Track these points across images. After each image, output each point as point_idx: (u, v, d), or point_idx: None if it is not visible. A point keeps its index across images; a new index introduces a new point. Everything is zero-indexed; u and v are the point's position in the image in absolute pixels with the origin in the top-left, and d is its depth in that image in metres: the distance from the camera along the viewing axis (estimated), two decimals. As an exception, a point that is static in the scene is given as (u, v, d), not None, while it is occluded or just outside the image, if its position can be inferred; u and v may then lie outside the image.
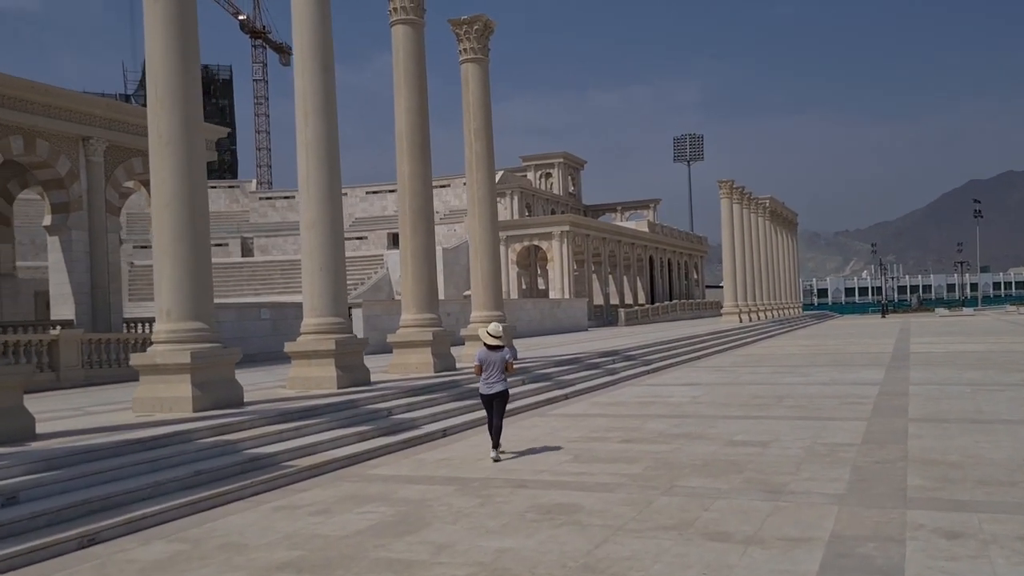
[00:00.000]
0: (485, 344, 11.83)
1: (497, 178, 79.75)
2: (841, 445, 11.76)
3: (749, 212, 62.80)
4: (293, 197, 77.92)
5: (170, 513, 8.80)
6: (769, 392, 18.71)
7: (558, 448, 12.34)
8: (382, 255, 68.33)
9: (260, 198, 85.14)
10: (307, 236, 16.90)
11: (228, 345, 14.18)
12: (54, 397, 18.00)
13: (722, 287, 66.49)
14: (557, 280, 63.70)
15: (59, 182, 24.51)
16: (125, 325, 26.20)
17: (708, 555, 6.93)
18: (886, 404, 16.04)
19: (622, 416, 15.61)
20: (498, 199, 76.33)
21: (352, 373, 16.69)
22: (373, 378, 17.96)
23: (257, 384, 18.62)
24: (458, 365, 20.71)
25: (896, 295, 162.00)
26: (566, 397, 18.97)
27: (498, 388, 11.71)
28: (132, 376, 15.28)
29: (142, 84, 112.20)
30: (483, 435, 13.86)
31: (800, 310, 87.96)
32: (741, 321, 56.13)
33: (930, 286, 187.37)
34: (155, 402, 13.04)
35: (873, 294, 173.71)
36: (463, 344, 23.17)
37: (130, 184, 27.61)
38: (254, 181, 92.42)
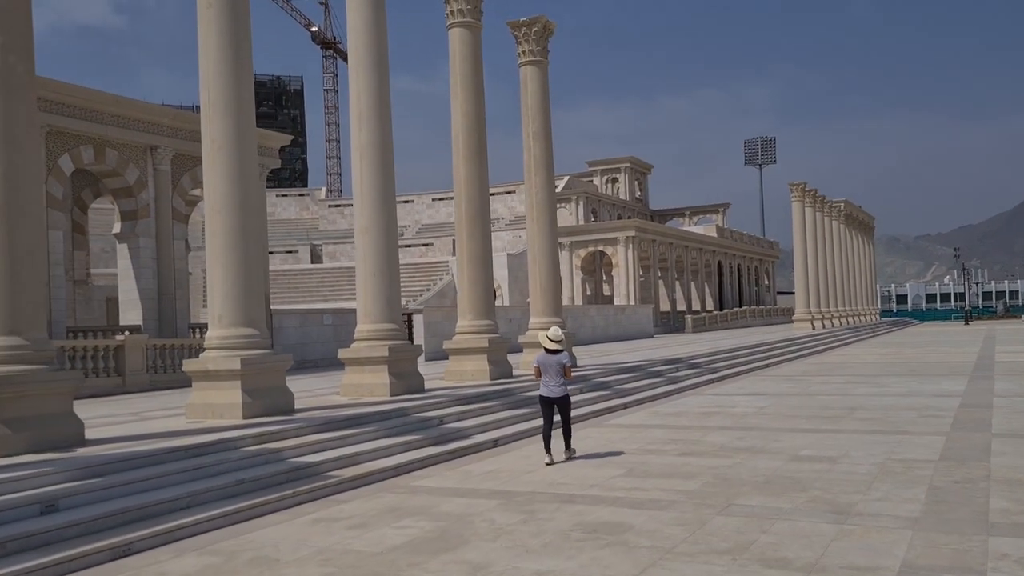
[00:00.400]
0: (544, 348, 12.09)
1: (562, 184, 79.96)
2: (917, 462, 10.97)
3: (823, 215, 60.94)
4: (361, 204, 78.67)
5: (207, 524, 8.61)
6: (840, 403, 17.81)
7: (611, 461, 11.83)
8: (448, 261, 68.54)
9: (329, 205, 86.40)
10: (361, 241, 16.75)
11: (285, 351, 14.10)
12: (117, 401, 18.27)
13: (794, 293, 64.64)
14: (622, 286, 62.85)
15: (128, 190, 25.05)
16: (192, 331, 26.61)
17: (763, 584, 6.37)
18: (967, 417, 15.05)
19: (682, 427, 15.00)
20: (563, 205, 76.39)
21: (406, 380, 16.47)
22: (428, 385, 17.72)
23: (313, 390, 18.61)
24: (515, 372, 20.33)
25: (980, 301, 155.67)
26: (625, 406, 18.41)
27: (558, 392, 11.91)
28: (193, 381, 15.32)
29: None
30: (534, 446, 13.46)
31: (877, 316, 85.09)
32: (814, 328, 54.42)
33: (1017, 292, 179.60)
34: (206, 408, 13.00)
35: (955, 300, 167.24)
36: (521, 351, 22.80)
37: (196, 192, 28.07)
38: (324, 189, 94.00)
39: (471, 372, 19.37)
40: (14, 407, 9.69)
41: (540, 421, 15.12)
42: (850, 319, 66.84)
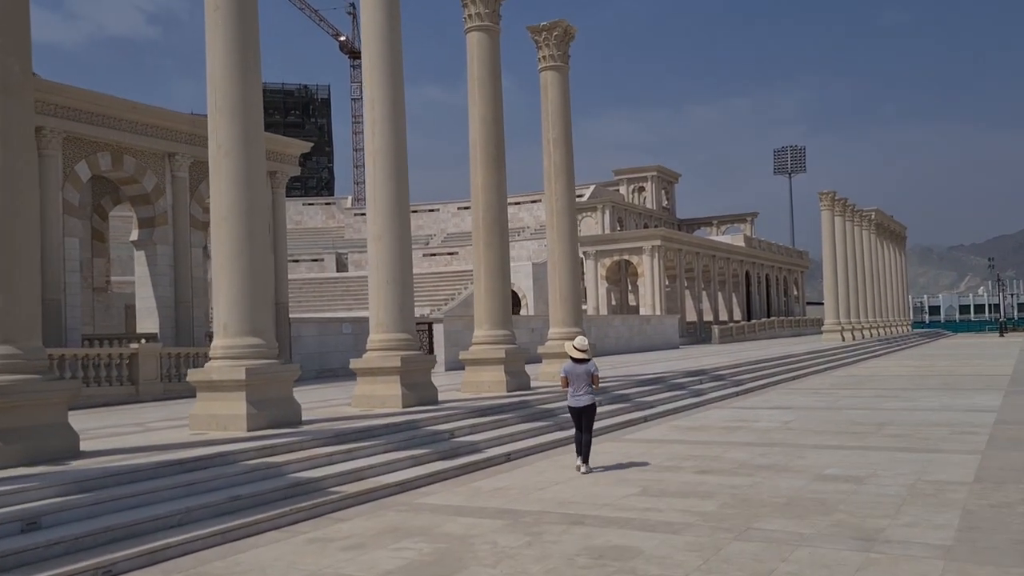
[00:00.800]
0: (571, 357, 12.10)
1: (588, 192, 79.38)
2: (949, 483, 10.35)
3: (853, 225, 59.80)
4: (386, 213, 78.65)
5: (197, 543, 8.23)
6: (869, 418, 17.13)
7: (626, 478, 11.32)
8: (473, 270, 68.16)
9: (355, 214, 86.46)
10: (374, 248, 16.38)
11: (304, 361, 13.76)
12: (127, 411, 18.05)
13: (823, 304, 63.50)
14: (648, 296, 62.11)
15: (145, 197, 24.95)
16: (208, 339, 26.40)
17: (780, 621, 5.85)
18: (1003, 435, 14.35)
19: (702, 443, 14.43)
20: (589, 214, 75.83)
21: (418, 392, 16.05)
22: (445, 396, 17.32)
23: (327, 401, 18.27)
24: (534, 384, 19.86)
25: (1016, 312, 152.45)
26: (645, 420, 17.86)
27: (586, 401, 11.90)
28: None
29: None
30: (548, 460, 13.04)
31: (909, 328, 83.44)
32: (843, 339, 53.32)
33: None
34: (210, 420, 12.68)
35: (990, 312, 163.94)
36: (541, 362, 22.32)
37: (216, 199, 27.96)
38: (350, 198, 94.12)
39: (488, 383, 18.92)
40: (6, 418, 9.39)
41: (555, 435, 14.83)
42: (881, 330, 65.52)
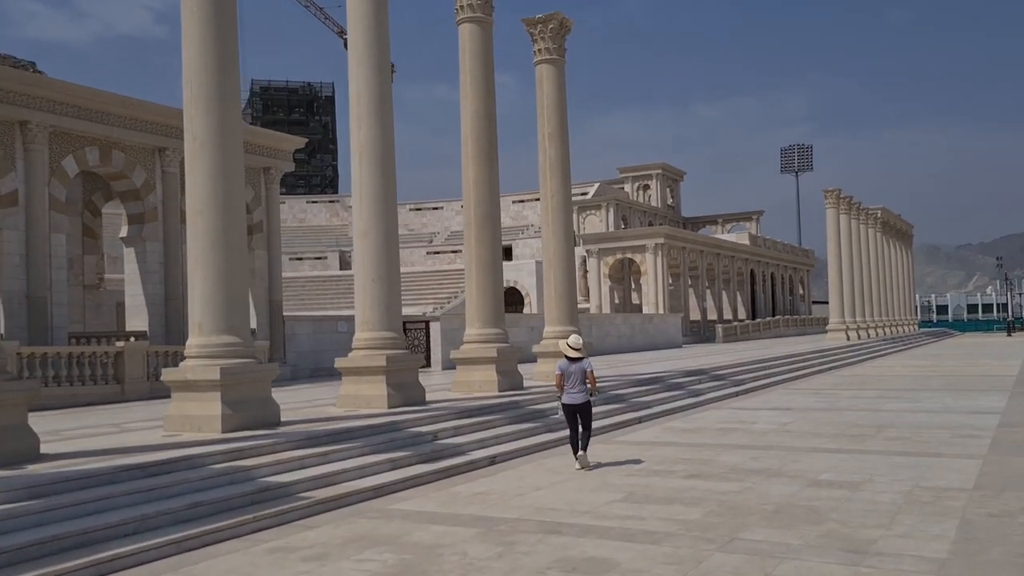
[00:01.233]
0: (566, 356, 12.04)
1: (592, 190, 78.90)
2: (948, 490, 9.88)
3: (858, 223, 59.14)
4: (388, 211, 78.28)
5: (152, 553, 7.82)
6: (869, 420, 16.65)
7: (611, 482, 10.87)
8: (473, 268, 67.70)
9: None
10: (359, 245, 15.96)
11: (298, 360, 13.33)
12: (109, 410, 17.68)
13: (829, 303, 62.85)
14: (651, 294, 61.58)
15: (135, 193, 24.57)
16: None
17: (756, 645, 5.40)
18: (1007, 438, 13.86)
19: (695, 445, 13.97)
20: (593, 212, 75.31)
21: (405, 392, 15.63)
22: (435, 396, 16.93)
23: (314, 400, 17.89)
24: (527, 384, 19.43)
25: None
26: (639, 421, 17.41)
27: (580, 399, 11.88)
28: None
29: (249, 103, 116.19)
30: (534, 464, 12.63)
31: (915, 327, 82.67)
32: (848, 339, 52.72)
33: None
34: (184, 420, 12.27)
35: (997, 311, 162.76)
36: (535, 361, 21.88)
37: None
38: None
39: (479, 383, 18.50)
40: (-40, 420, 9.01)
41: (544, 437, 14.41)
42: (887, 330, 64.85)
